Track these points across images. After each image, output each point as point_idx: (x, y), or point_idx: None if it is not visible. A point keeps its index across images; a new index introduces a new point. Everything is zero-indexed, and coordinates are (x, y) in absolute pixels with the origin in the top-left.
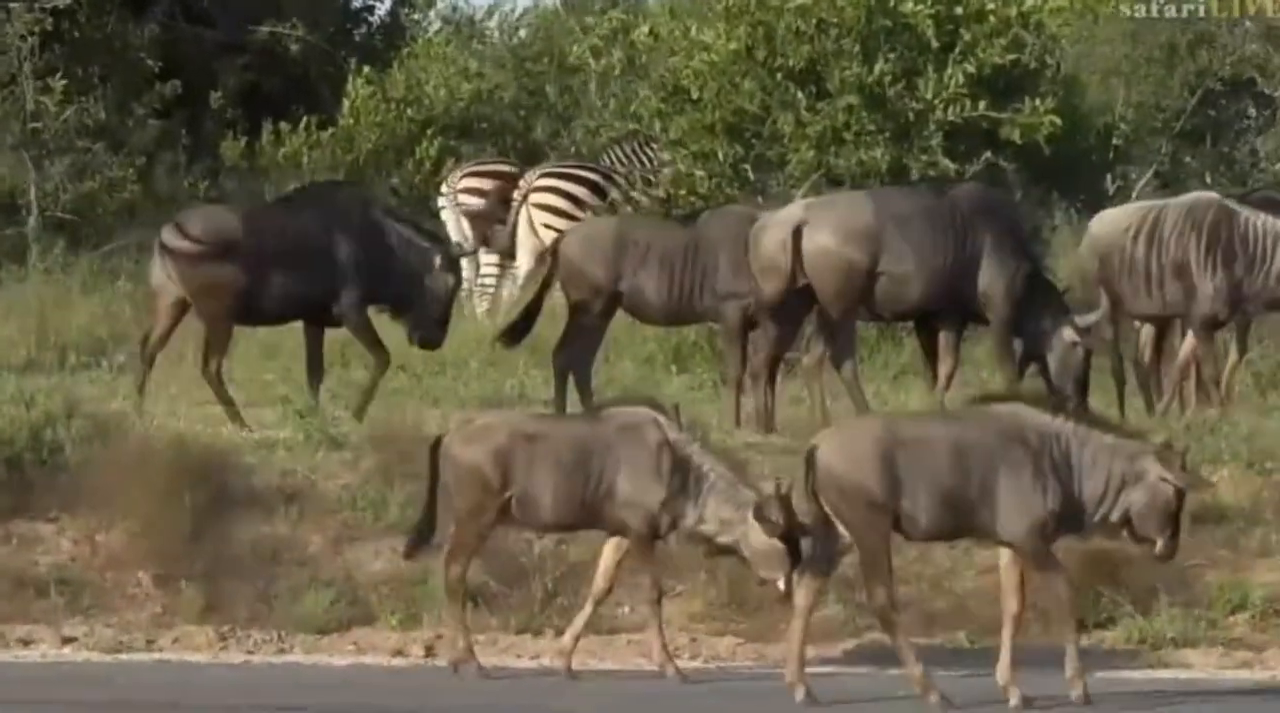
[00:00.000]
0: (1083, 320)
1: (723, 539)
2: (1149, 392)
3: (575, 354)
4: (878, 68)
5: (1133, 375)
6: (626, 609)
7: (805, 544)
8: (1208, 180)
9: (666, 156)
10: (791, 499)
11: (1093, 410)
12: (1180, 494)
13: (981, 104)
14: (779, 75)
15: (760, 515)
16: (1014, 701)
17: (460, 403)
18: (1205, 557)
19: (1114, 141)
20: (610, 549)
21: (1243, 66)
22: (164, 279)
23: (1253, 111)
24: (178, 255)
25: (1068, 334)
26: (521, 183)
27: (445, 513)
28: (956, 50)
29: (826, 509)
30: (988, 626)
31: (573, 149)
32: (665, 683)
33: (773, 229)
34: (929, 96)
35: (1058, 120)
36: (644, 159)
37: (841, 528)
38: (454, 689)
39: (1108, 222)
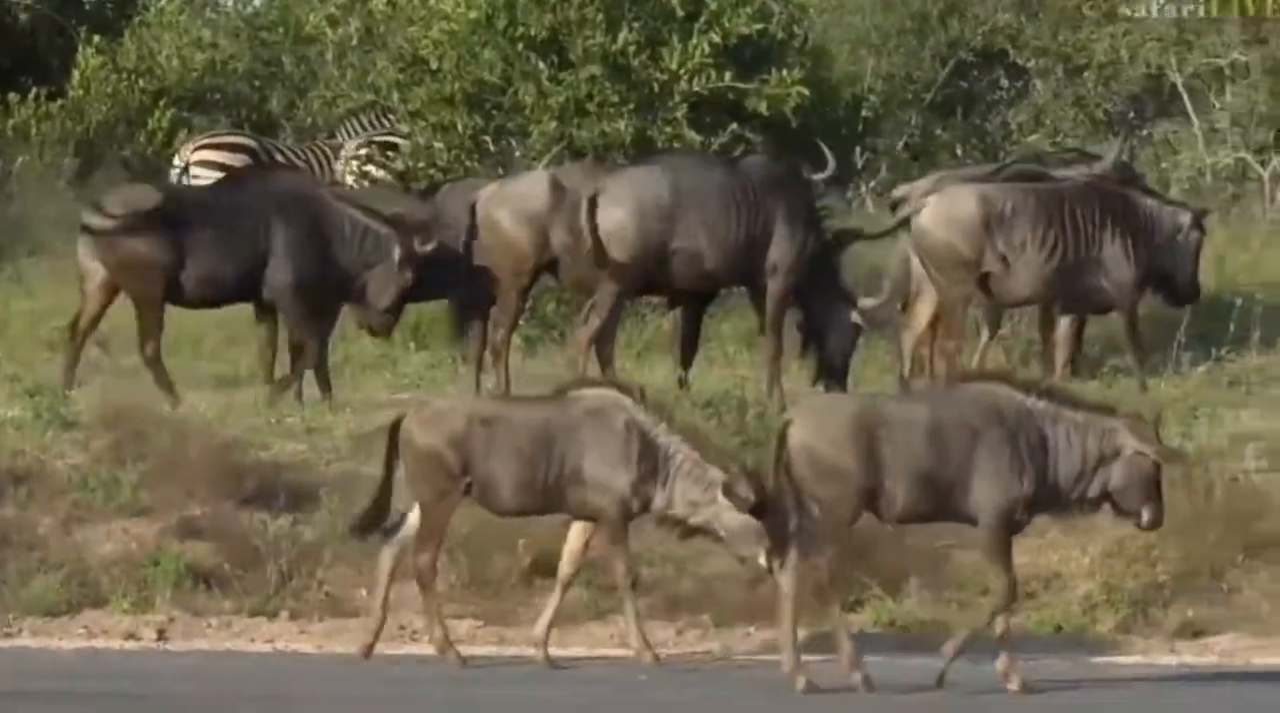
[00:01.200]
0: (864, 302)
1: (694, 521)
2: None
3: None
4: (621, 37)
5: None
6: (364, 593)
7: (778, 520)
8: (959, 153)
9: (405, 128)
10: (759, 475)
11: (1064, 387)
12: (1160, 464)
13: (727, 75)
14: (520, 45)
15: (729, 493)
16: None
17: (196, 382)
18: (955, 538)
19: (863, 113)
20: (576, 533)
21: (995, 37)
22: (89, 261)
23: (1005, 83)
24: (98, 235)
25: (850, 314)
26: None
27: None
28: (702, 20)
29: (796, 485)
30: (731, 609)
31: (309, 121)
32: (385, 667)
33: (512, 202)
34: (674, 67)
35: (805, 91)
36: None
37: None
38: (185, 673)
39: (977, 200)
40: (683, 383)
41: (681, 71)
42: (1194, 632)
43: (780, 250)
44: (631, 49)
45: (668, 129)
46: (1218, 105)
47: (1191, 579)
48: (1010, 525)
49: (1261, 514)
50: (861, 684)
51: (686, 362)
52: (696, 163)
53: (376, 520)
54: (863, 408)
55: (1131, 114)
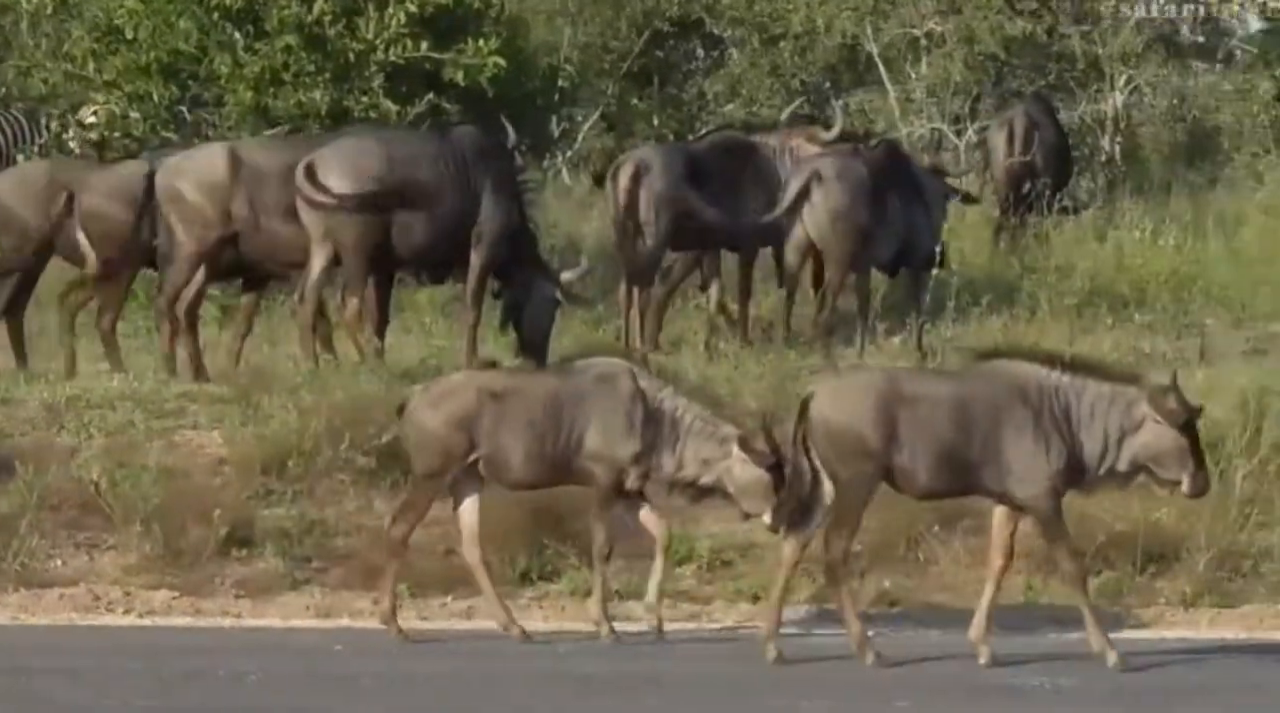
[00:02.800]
0: (565, 275)
1: (704, 480)
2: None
3: (4, 301)
4: (317, 7)
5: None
6: (59, 563)
7: (793, 492)
8: (655, 122)
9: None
10: (773, 431)
11: (1090, 358)
12: (1189, 426)
13: (424, 44)
14: (216, 15)
15: (746, 447)
16: (983, 659)
17: None
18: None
19: (560, 83)
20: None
21: (691, 7)
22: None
23: (701, 53)
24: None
25: (550, 288)
26: None
27: None
28: None
29: (814, 459)
30: (427, 579)
31: (1, 90)
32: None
33: (192, 174)
34: (370, 37)
35: (502, 61)
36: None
37: (826, 478)
38: None
39: (867, 167)
40: (379, 353)
41: (378, 41)
42: (890, 602)
43: (486, 220)
44: (327, 19)
45: (364, 99)
46: (913, 75)
47: (887, 550)
48: (1058, 498)
49: None
50: (872, 661)
51: (380, 331)
52: (409, 133)
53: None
54: (886, 384)
55: (827, 84)
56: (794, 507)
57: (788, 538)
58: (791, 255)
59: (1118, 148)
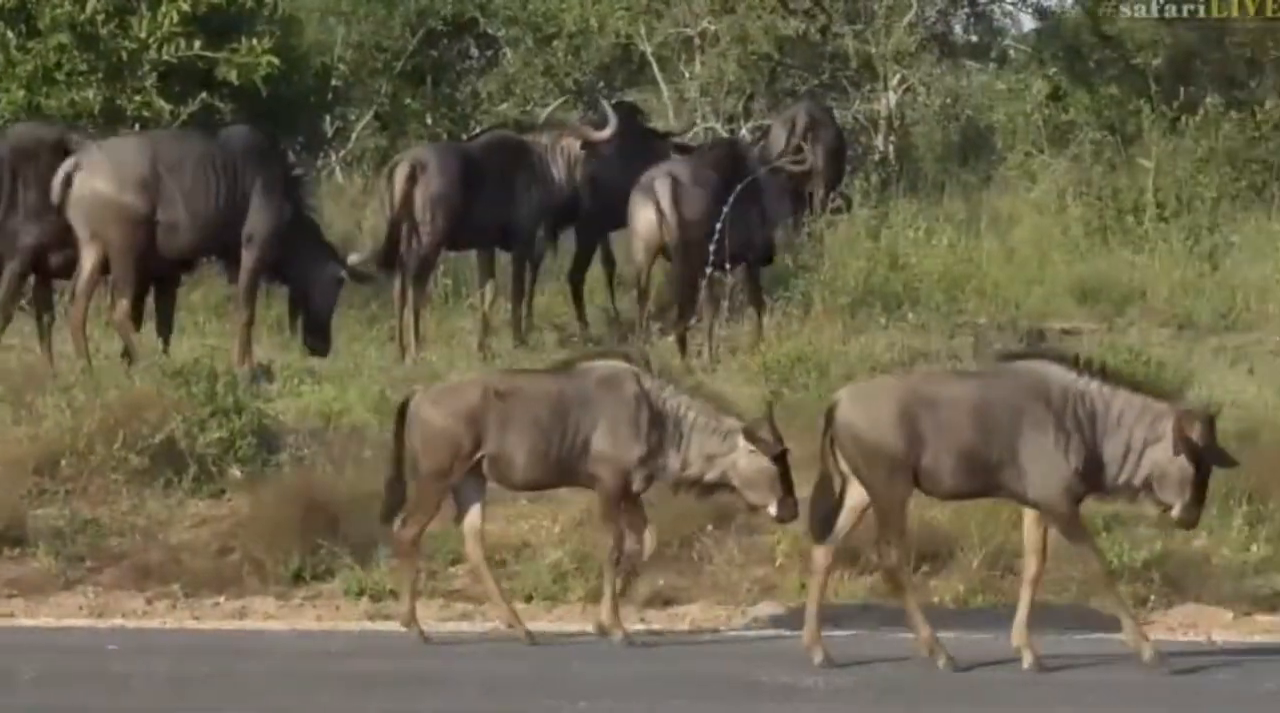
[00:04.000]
0: (352, 258)
1: (710, 476)
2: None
3: None
4: (90, 5)
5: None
6: None
7: (824, 499)
8: (429, 122)
9: None
10: (775, 421)
11: (1120, 368)
12: (1199, 459)
13: (197, 43)
14: None
15: (752, 437)
16: (1026, 662)
17: None
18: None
19: (333, 82)
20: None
21: (465, 7)
22: None
23: (475, 52)
24: None
25: (334, 269)
26: None
27: None
28: None
29: (843, 465)
30: (200, 578)
31: None
32: None
33: None
34: (143, 35)
35: (275, 60)
36: None
37: (858, 485)
38: None
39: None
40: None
41: (150, 40)
42: (664, 601)
43: (256, 220)
44: (100, 17)
45: (137, 98)
46: (687, 75)
47: (661, 548)
48: (1074, 500)
49: None
50: (943, 664)
51: (164, 332)
52: (177, 133)
53: (399, 502)
54: (909, 389)
55: (601, 83)
56: (824, 514)
57: (816, 545)
58: (642, 256)
59: (891, 147)
